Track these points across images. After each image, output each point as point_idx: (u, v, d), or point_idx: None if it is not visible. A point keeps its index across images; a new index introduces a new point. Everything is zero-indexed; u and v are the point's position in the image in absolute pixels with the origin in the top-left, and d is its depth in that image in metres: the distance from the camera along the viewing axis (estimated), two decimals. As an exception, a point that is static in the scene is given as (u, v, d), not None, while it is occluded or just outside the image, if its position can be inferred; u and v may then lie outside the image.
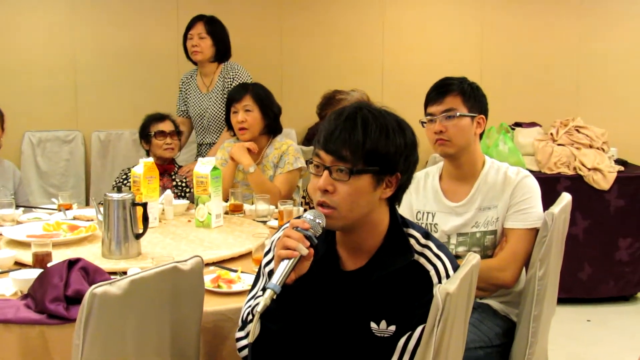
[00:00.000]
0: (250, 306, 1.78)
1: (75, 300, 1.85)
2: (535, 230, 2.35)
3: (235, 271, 2.25)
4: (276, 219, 3.01)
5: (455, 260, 1.74)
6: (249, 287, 1.90)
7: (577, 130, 4.68)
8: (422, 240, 1.73)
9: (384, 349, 1.68)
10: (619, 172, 4.47)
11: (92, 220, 2.93)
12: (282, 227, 1.77)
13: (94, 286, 1.53)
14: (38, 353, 1.83)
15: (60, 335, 1.82)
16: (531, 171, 2.61)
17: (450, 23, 5.18)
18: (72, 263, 1.97)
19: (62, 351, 1.80)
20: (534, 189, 2.42)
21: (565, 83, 5.11)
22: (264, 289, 1.61)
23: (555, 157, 4.51)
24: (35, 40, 4.82)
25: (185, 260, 1.77)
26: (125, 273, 2.18)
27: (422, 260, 1.71)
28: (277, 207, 3.08)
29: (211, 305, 1.97)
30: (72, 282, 1.90)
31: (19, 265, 2.36)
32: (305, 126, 5.05)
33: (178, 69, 4.63)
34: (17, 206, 3.18)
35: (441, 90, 2.44)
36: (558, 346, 3.62)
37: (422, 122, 2.46)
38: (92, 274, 1.98)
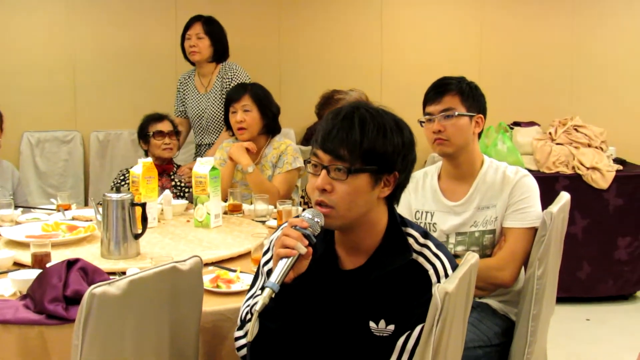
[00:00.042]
0: (248, 305, 1.78)
1: (74, 300, 1.85)
2: (534, 230, 2.35)
3: (234, 271, 2.25)
4: (275, 218, 3.01)
5: (454, 259, 1.75)
6: (248, 287, 1.90)
7: (575, 129, 4.68)
8: (421, 240, 1.73)
9: (383, 348, 1.68)
10: (617, 171, 4.47)
11: (91, 220, 2.92)
12: (281, 227, 1.77)
13: (93, 286, 1.53)
14: (37, 353, 1.83)
15: (59, 336, 1.82)
16: (530, 170, 2.61)
17: (448, 23, 5.18)
18: (71, 263, 1.96)
19: (61, 351, 1.80)
20: (533, 188, 2.42)
21: (564, 82, 5.12)
22: (262, 288, 1.61)
23: (553, 156, 4.51)
24: (33, 40, 4.82)
25: (184, 260, 1.77)
26: (124, 273, 2.18)
27: (421, 260, 1.71)
28: (276, 207, 3.08)
29: (210, 305, 1.97)
30: (71, 283, 1.90)
31: (18, 265, 2.36)
32: (304, 126, 5.05)
33: (176, 69, 4.63)
34: (16, 206, 3.18)
35: (439, 89, 2.44)
36: (557, 345, 3.62)
37: (421, 122, 2.46)
38: (91, 274, 1.98)
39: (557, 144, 4.60)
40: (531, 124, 4.93)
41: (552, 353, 2.79)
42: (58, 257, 2.28)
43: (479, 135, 2.49)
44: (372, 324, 1.69)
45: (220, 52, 4.20)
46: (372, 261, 1.72)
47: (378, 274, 1.70)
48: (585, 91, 5.10)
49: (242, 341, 1.76)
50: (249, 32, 4.99)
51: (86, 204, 4.61)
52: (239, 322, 1.80)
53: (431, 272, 1.69)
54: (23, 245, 2.52)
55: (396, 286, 1.69)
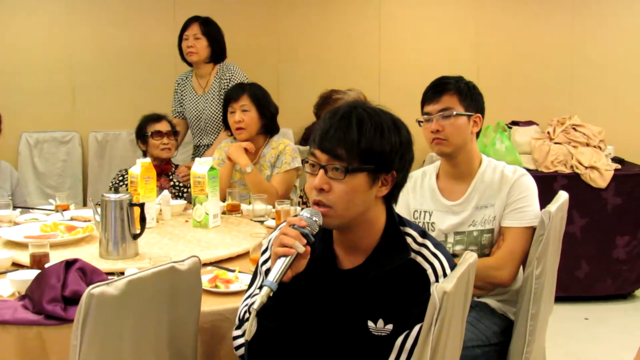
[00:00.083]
0: (247, 305, 1.78)
1: (72, 300, 1.84)
2: (532, 229, 2.35)
3: (233, 271, 2.25)
4: (273, 218, 3.01)
5: (453, 259, 1.75)
6: (247, 287, 1.90)
7: (574, 128, 4.68)
8: (419, 239, 1.73)
9: (381, 347, 1.68)
10: (615, 170, 4.47)
11: (89, 220, 2.92)
12: (279, 226, 1.77)
13: (91, 287, 1.53)
14: (35, 354, 1.83)
15: (57, 336, 1.82)
16: (528, 170, 2.61)
17: (447, 23, 5.18)
18: (69, 264, 1.97)
19: (60, 352, 1.80)
20: (531, 187, 2.43)
21: (562, 81, 5.12)
22: (260, 287, 1.61)
23: (552, 155, 4.52)
24: (32, 40, 4.82)
25: (183, 261, 1.77)
26: (122, 273, 2.18)
27: (419, 259, 1.71)
28: (274, 207, 3.09)
29: (209, 305, 1.97)
30: (70, 283, 1.90)
31: (17, 266, 2.36)
32: (302, 126, 5.05)
33: (175, 70, 4.63)
34: (15, 207, 3.18)
35: (438, 89, 2.44)
36: (556, 344, 3.62)
37: (419, 121, 2.46)
38: (89, 275, 1.98)
39: (556, 143, 4.61)
40: (529, 123, 4.93)
41: (551, 352, 2.79)
42: (56, 257, 2.28)
43: (477, 134, 2.49)
44: (370, 324, 1.69)
45: (217, 52, 4.20)
46: (371, 260, 1.72)
47: (376, 274, 1.70)
48: (583, 90, 5.10)
49: (240, 340, 1.75)
50: (248, 32, 4.99)
51: (85, 205, 4.61)
52: (237, 322, 1.80)
53: (429, 271, 1.69)
54: (21, 245, 2.52)
55: (394, 285, 1.69)
